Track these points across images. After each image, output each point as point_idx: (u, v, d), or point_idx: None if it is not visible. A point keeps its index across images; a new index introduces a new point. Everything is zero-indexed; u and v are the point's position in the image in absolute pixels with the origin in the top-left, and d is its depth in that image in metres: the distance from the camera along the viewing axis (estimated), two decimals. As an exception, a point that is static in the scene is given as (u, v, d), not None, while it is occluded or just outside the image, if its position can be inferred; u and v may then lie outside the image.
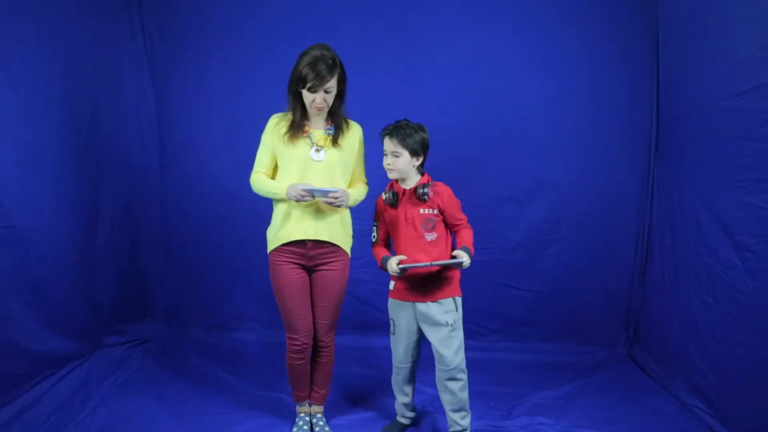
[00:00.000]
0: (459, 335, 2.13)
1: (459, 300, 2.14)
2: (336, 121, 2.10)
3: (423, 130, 2.09)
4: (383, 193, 2.16)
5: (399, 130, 2.05)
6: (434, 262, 2.01)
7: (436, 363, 2.14)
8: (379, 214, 2.22)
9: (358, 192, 2.17)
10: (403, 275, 2.09)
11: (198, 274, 3.33)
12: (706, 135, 2.42)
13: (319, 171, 2.06)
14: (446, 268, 2.09)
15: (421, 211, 2.09)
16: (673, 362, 2.66)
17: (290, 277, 2.11)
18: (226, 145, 3.18)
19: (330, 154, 2.07)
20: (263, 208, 3.16)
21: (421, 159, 2.10)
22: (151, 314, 3.38)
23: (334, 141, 2.08)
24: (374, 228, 2.22)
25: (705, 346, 2.38)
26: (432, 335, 2.12)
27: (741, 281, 2.15)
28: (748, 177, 2.12)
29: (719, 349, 2.28)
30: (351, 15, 3.03)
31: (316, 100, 2.00)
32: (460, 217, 2.14)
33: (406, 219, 2.10)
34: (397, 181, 2.14)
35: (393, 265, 2.06)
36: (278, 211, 2.14)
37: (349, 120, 2.17)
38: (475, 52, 2.99)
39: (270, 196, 2.14)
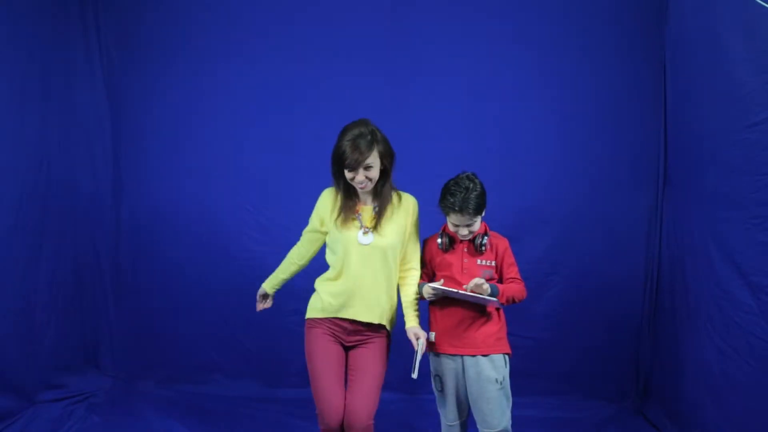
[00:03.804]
0: (507, 394, 2.19)
1: (508, 357, 2.21)
2: (381, 201, 2.17)
3: (477, 183, 2.15)
4: (438, 237, 2.23)
5: (467, 203, 2.08)
6: (466, 293, 2.07)
7: (479, 426, 2.17)
8: (427, 258, 2.28)
9: (415, 298, 2.24)
10: (437, 298, 2.17)
11: (152, 318, 3.29)
12: (716, 168, 2.54)
13: (368, 254, 2.14)
14: (483, 306, 2.16)
15: (479, 262, 2.18)
16: (688, 418, 2.70)
17: (323, 344, 2.15)
18: (189, 173, 3.22)
19: (378, 236, 2.15)
20: (230, 244, 3.22)
21: (485, 209, 2.18)
22: (96, 365, 3.30)
23: (378, 221, 2.15)
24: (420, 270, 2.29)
25: (723, 399, 2.43)
26: (478, 393, 2.15)
27: (758, 326, 2.22)
28: (761, 214, 2.22)
29: (738, 402, 2.33)
30: (327, 31, 3.13)
31: (357, 178, 2.08)
32: (510, 272, 2.23)
33: (463, 270, 2.18)
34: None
35: (428, 288, 2.12)
36: (326, 279, 2.22)
37: (401, 193, 2.24)
38: (472, 81, 3.11)
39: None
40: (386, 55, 3.11)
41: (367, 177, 2.09)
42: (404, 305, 2.27)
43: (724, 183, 2.47)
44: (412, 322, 2.24)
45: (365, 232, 2.14)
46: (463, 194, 2.09)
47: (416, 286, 2.26)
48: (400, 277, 2.27)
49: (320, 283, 2.24)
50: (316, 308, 2.21)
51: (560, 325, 3.16)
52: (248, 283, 3.21)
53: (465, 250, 2.20)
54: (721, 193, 2.48)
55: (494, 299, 2.08)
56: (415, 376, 2.08)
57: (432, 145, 3.11)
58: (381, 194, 2.17)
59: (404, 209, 2.22)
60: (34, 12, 2.85)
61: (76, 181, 3.19)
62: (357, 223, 2.16)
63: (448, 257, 2.22)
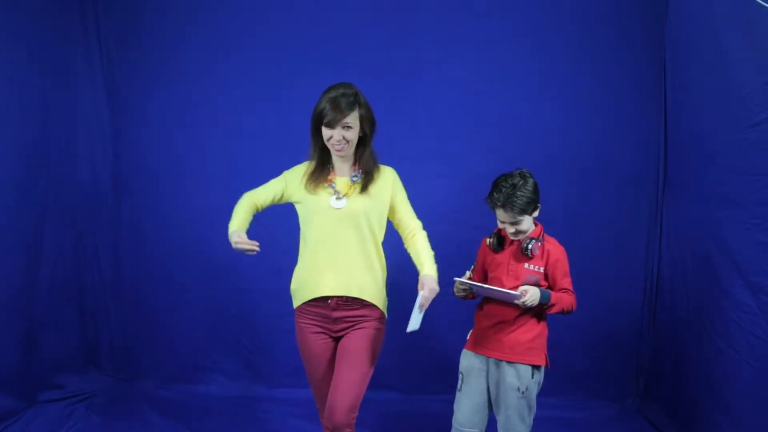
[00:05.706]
0: (530, 404, 2.11)
1: (541, 369, 2.14)
2: (363, 167, 2.11)
3: (529, 181, 2.06)
4: (489, 237, 2.19)
5: (511, 199, 2.01)
6: (491, 287, 2.02)
7: (500, 429, 2.14)
8: (481, 257, 2.25)
9: (428, 249, 2.11)
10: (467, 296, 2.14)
11: (152, 318, 3.30)
12: (716, 169, 2.54)
13: (338, 220, 2.06)
14: (525, 309, 2.08)
15: (526, 266, 2.11)
16: (688, 418, 2.71)
17: (312, 342, 2.12)
18: (189, 173, 3.21)
19: (352, 201, 2.07)
20: (231, 243, 3.21)
21: (537, 210, 2.11)
22: (96, 365, 3.31)
23: (364, 188, 2.09)
24: (471, 268, 2.24)
25: (723, 399, 2.44)
26: (498, 397, 2.12)
27: (758, 326, 2.23)
28: (761, 214, 2.23)
29: (738, 402, 2.34)
30: (336, 37, 3.13)
31: (334, 136, 2.01)
32: (563, 283, 2.13)
33: (508, 272, 2.12)
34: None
35: (457, 283, 2.08)
36: (300, 259, 2.17)
37: (380, 165, 2.17)
38: (471, 81, 3.11)
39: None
40: (387, 56, 3.11)
41: (344, 137, 2.02)
42: (419, 260, 2.11)
43: (724, 183, 2.48)
44: (426, 269, 2.05)
45: (338, 198, 2.06)
46: (509, 190, 2.02)
47: (426, 240, 2.12)
48: (407, 244, 2.16)
49: (298, 261, 2.19)
50: (296, 295, 2.16)
51: (560, 326, 3.14)
52: (249, 283, 3.24)
53: (514, 252, 2.14)
54: (721, 193, 2.49)
55: (516, 294, 1.99)
56: (408, 330, 1.99)
57: (432, 145, 3.12)
58: (362, 161, 2.11)
59: (383, 180, 2.14)
60: (34, 12, 2.85)
61: (76, 182, 3.19)
62: (330, 190, 2.09)
63: (498, 257, 2.16)
